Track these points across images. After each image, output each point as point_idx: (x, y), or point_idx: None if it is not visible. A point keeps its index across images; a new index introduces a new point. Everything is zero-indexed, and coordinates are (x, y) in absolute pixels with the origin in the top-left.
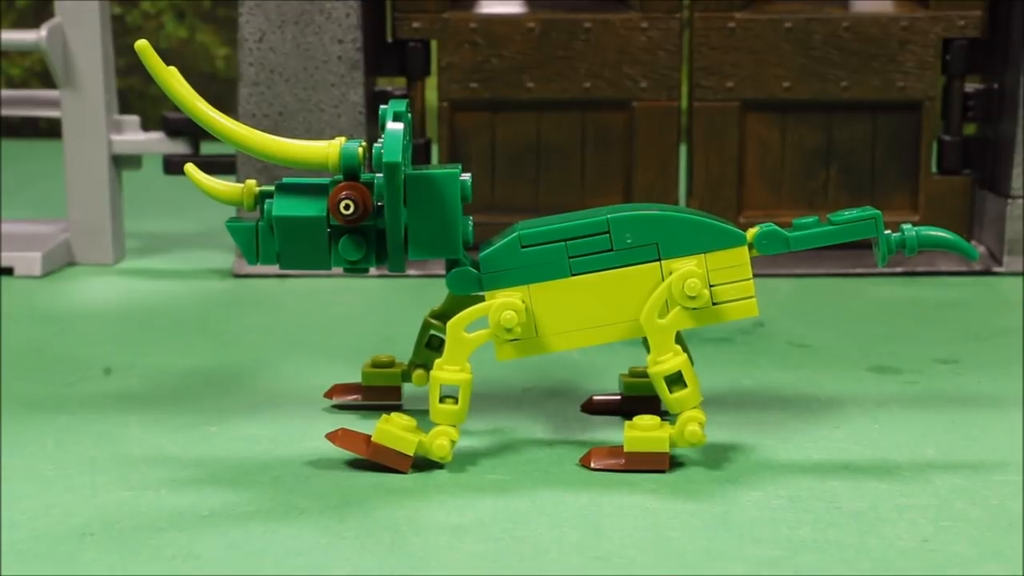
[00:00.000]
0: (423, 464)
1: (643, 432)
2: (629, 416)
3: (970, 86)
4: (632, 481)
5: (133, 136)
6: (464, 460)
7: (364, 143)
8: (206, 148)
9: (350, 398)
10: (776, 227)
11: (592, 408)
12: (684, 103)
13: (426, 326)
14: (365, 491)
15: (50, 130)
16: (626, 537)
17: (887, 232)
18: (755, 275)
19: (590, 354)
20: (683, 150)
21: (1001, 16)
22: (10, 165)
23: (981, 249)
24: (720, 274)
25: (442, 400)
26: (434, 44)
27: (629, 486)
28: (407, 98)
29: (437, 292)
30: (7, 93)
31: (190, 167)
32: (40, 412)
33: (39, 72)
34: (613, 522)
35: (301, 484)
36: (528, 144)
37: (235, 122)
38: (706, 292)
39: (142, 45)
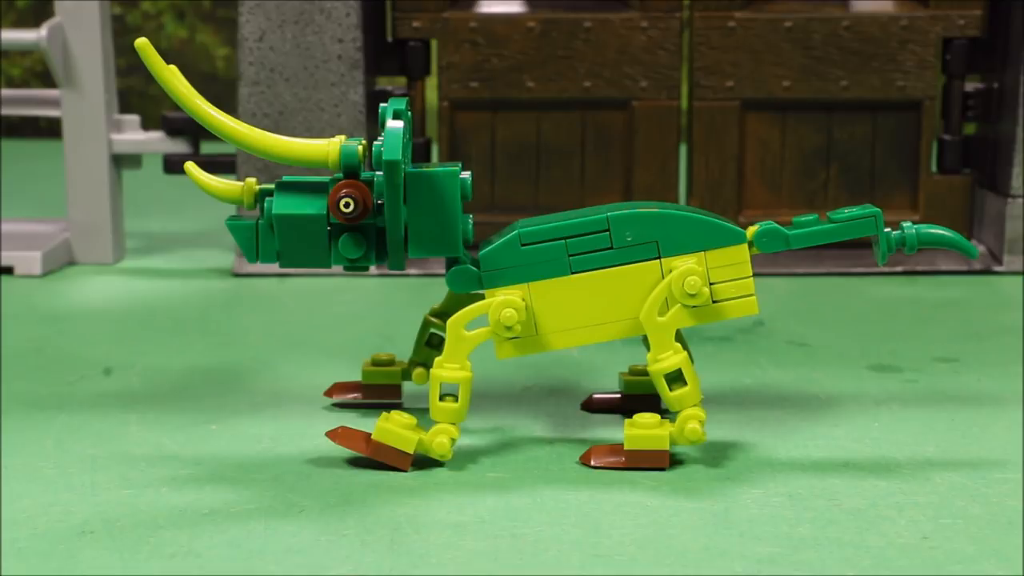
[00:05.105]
0: (423, 462)
1: (643, 430)
2: (629, 414)
3: (970, 86)
4: (632, 479)
5: (133, 136)
6: (464, 458)
7: (364, 141)
8: (206, 147)
9: (350, 396)
10: (776, 225)
11: (592, 406)
12: (684, 103)
13: (426, 324)
14: (365, 489)
15: (50, 130)
16: (626, 535)
17: (887, 230)
18: (755, 274)
19: (590, 352)
20: (683, 150)
21: (1001, 16)
22: (10, 165)
23: (981, 248)
24: (720, 272)
25: (442, 398)
26: (434, 43)
27: (629, 484)
28: (407, 96)
29: (437, 290)
30: (7, 93)
31: (190, 165)
32: (40, 411)
33: (39, 72)
34: (613, 520)
35: (301, 482)
36: (528, 144)
37: (236, 120)
38: (706, 290)
39: (142, 43)
